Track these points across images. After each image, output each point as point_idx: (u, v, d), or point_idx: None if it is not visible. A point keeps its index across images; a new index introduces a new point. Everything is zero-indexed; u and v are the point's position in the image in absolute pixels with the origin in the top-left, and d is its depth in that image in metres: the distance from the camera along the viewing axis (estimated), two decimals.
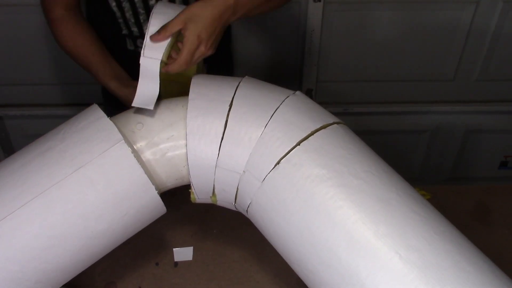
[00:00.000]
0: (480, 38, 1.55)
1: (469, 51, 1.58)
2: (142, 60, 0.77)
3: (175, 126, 0.78)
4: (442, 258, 0.62)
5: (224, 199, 0.80)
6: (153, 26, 0.78)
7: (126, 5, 1.04)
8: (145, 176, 0.73)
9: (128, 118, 0.79)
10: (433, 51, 1.58)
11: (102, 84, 1.02)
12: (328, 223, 0.66)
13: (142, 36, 1.10)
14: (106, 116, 0.75)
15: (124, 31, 1.10)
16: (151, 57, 0.76)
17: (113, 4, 1.04)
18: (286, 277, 1.01)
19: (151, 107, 0.76)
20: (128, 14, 1.05)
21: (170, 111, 0.79)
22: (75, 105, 1.73)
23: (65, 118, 0.81)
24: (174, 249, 0.96)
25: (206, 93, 0.78)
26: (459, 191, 1.25)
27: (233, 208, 0.81)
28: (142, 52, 0.76)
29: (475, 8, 1.49)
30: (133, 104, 0.77)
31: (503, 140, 1.82)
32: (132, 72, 1.13)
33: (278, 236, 0.73)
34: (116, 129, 0.73)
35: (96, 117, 0.75)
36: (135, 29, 1.09)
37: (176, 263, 1.05)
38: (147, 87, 0.77)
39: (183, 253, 0.98)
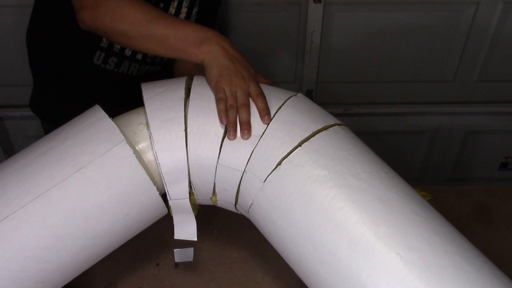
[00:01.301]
0: (480, 39, 1.55)
1: (469, 52, 1.58)
2: (172, 203, 0.78)
3: None
4: (442, 259, 0.62)
5: (225, 199, 0.80)
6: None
7: None
8: (147, 177, 0.73)
9: (130, 119, 0.79)
10: (433, 52, 1.58)
11: (189, 50, 0.78)
12: (329, 223, 0.66)
13: (120, 56, 1.00)
14: (108, 117, 0.75)
15: (103, 44, 0.99)
16: (179, 199, 0.77)
17: None
18: (286, 278, 1.01)
19: (195, 238, 0.80)
20: None
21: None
22: None
23: None
24: (174, 249, 0.96)
25: (206, 93, 0.78)
26: (459, 191, 1.25)
27: (234, 209, 0.81)
28: (168, 195, 0.77)
29: (475, 9, 1.49)
30: (176, 237, 0.80)
31: (503, 141, 1.82)
32: (95, 88, 1.05)
33: (279, 237, 0.73)
34: (118, 129, 0.74)
35: (97, 117, 0.75)
36: (117, 46, 0.99)
37: (176, 264, 1.05)
38: (184, 221, 0.80)
39: (183, 254, 0.98)
